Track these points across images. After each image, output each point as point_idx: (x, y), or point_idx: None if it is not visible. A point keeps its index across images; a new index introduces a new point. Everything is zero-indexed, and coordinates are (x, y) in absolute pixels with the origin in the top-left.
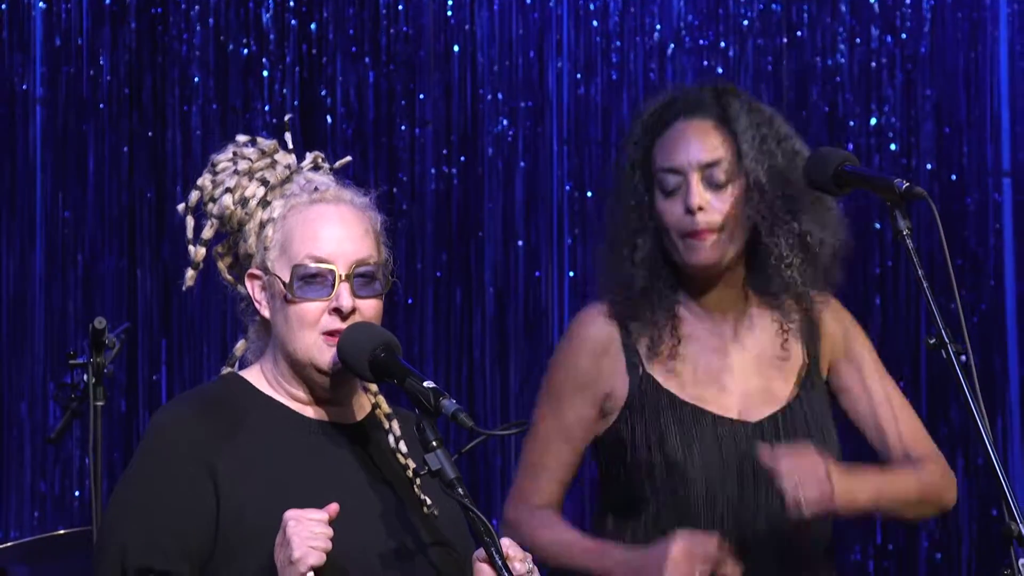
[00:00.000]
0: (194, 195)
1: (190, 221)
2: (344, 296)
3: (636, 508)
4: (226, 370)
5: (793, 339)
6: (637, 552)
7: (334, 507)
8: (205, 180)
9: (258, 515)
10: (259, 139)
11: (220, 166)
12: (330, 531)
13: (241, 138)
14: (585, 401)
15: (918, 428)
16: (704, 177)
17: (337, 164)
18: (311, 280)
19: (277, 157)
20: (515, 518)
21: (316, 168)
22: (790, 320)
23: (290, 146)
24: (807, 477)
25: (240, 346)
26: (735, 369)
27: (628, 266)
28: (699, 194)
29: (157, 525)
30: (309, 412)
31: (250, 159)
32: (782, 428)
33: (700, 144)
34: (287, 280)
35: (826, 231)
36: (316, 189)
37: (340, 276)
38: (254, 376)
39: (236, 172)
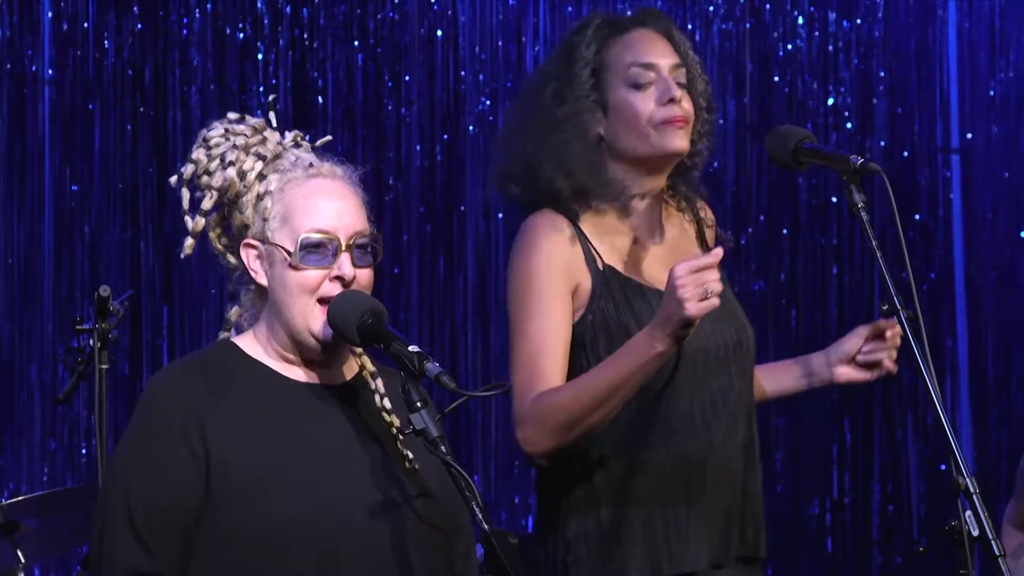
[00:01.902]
0: (189, 168)
1: (185, 193)
2: (346, 265)
3: None
4: (223, 335)
5: (693, 232)
6: (652, 319)
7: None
8: (199, 154)
9: (244, 470)
10: (248, 117)
11: (213, 141)
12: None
13: (232, 115)
14: (567, 296)
15: None
16: (673, 77)
17: (318, 142)
18: (314, 249)
19: (266, 134)
20: (530, 407)
21: (297, 145)
22: (690, 218)
23: (274, 124)
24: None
25: (234, 312)
26: (670, 256)
27: (582, 161)
28: (676, 87)
29: (154, 482)
30: (299, 375)
31: (245, 135)
32: (724, 304)
33: (666, 47)
34: (291, 249)
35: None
36: (311, 165)
37: (342, 246)
38: (247, 342)
39: (235, 147)
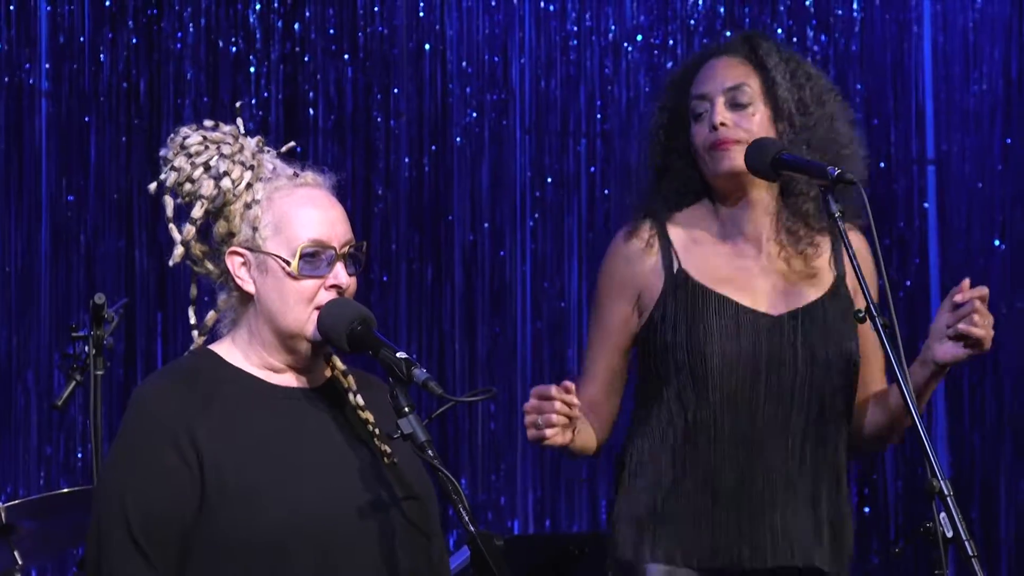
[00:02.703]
0: (172, 176)
1: (169, 201)
2: (342, 274)
3: (666, 389)
4: (199, 340)
5: (822, 256)
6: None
7: None
8: (181, 161)
9: (239, 476)
10: (221, 124)
11: (194, 148)
12: None
13: (208, 122)
14: (622, 303)
15: (884, 371)
16: (728, 100)
17: (283, 148)
18: (311, 259)
19: (242, 142)
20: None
21: (262, 151)
22: (818, 242)
23: (243, 130)
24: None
25: (211, 317)
26: (763, 272)
27: (657, 181)
28: (721, 112)
29: (149, 492)
30: (281, 380)
31: (227, 143)
32: (801, 323)
33: (725, 72)
34: (289, 258)
35: (850, 166)
36: (296, 174)
37: (337, 255)
38: (225, 349)
39: (222, 156)
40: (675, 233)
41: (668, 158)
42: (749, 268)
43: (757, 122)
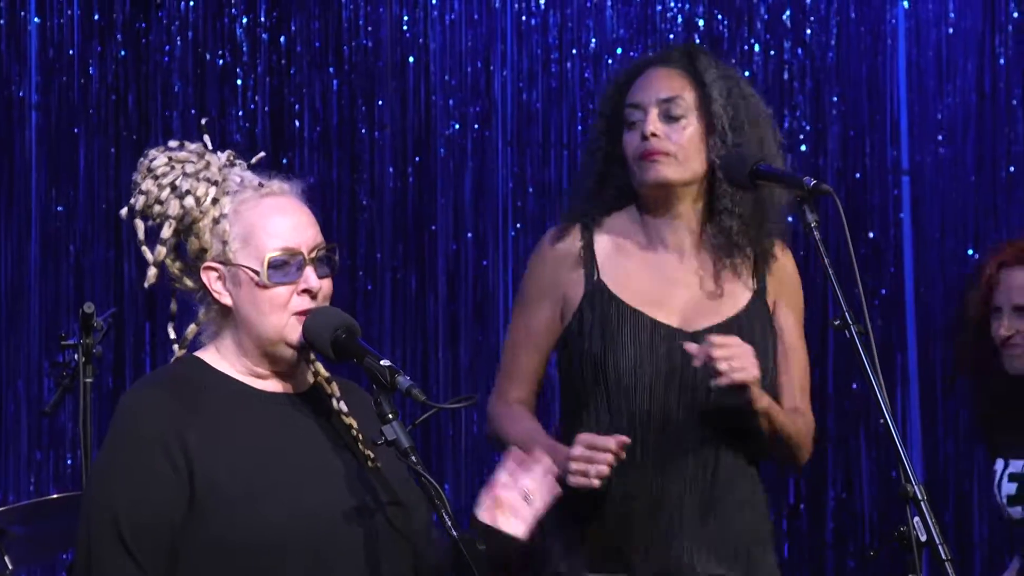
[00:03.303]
0: (141, 199)
1: (139, 224)
2: (312, 278)
3: (583, 401)
4: (180, 352)
5: (743, 271)
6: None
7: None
8: (149, 184)
9: (229, 480)
10: (186, 143)
11: (160, 170)
12: None
13: (172, 143)
14: (547, 306)
15: (807, 389)
16: (661, 111)
17: (253, 160)
18: (281, 267)
19: (208, 158)
20: (492, 412)
21: (232, 165)
22: (741, 256)
23: (210, 146)
24: (738, 355)
25: (191, 330)
26: (681, 286)
27: (595, 187)
28: (653, 123)
29: (139, 497)
30: (265, 386)
31: (191, 161)
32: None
33: (661, 83)
34: (258, 268)
35: (774, 194)
36: (261, 184)
37: (305, 260)
38: (210, 356)
39: (185, 175)
40: (600, 241)
41: (607, 164)
42: (669, 281)
43: (688, 136)
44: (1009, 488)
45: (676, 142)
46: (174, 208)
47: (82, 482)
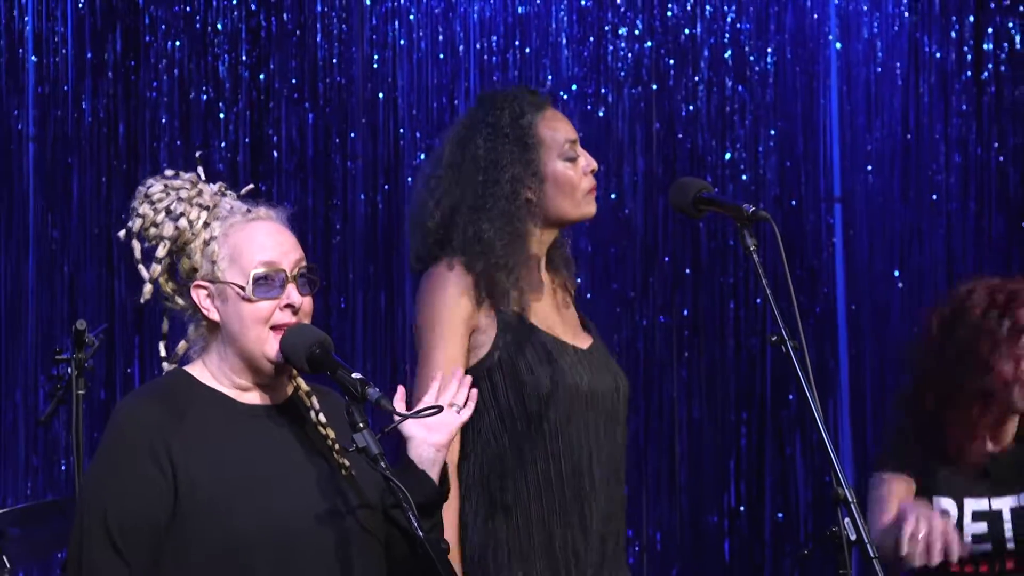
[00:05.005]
0: (137, 222)
1: (136, 245)
2: (294, 294)
3: (503, 424)
4: (169, 367)
5: (561, 286)
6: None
7: None
8: (145, 209)
9: (207, 487)
10: (181, 173)
11: (156, 196)
12: None
13: (168, 172)
14: (465, 333)
15: None
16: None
17: (243, 191)
18: (264, 282)
19: (201, 186)
20: None
21: (223, 194)
22: (566, 285)
23: (203, 177)
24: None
25: (182, 346)
26: (559, 312)
27: (509, 216)
28: (591, 160)
29: (130, 499)
30: (247, 398)
31: (185, 188)
32: (597, 356)
33: (568, 124)
34: (244, 284)
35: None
36: (249, 210)
37: (288, 276)
38: (197, 370)
39: (180, 199)
40: (498, 278)
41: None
42: (552, 306)
43: None
44: (977, 528)
45: None
46: (168, 230)
47: (75, 487)
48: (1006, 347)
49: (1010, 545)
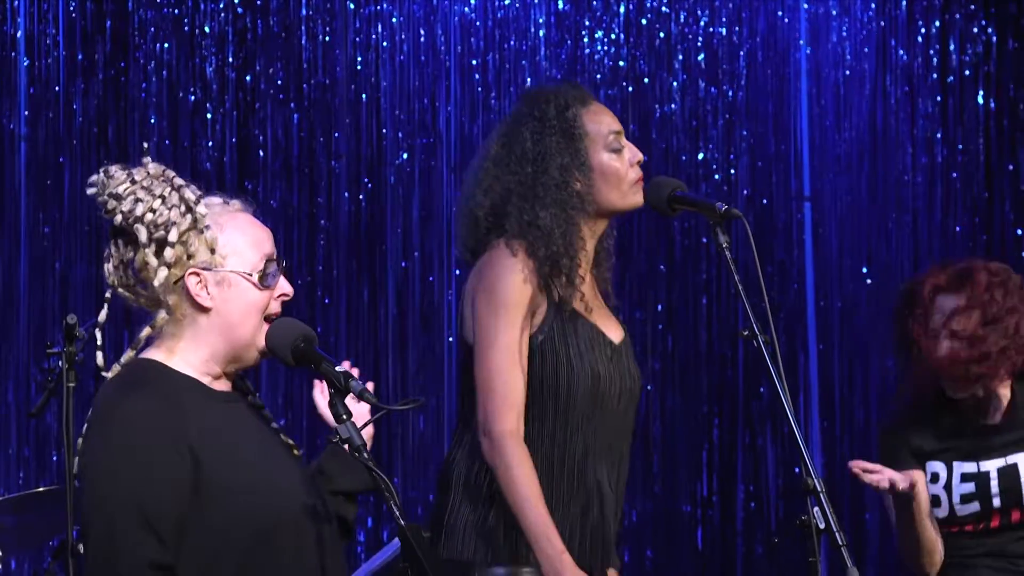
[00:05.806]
0: (139, 207)
1: (141, 229)
2: (287, 284)
3: (543, 407)
4: (130, 352)
5: (609, 288)
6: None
7: None
8: (143, 194)
9: (228, 472)
10: (144, 162)
11: (146, 183)
12: None
13: (114, 167)
14: (527, 316)
15: None
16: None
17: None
18: (270, 273)
19: (168, 174)
20: (500, 449)
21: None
22: (605, 276)
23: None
24: None
25: (146, 332)
26: (598, 300)
27: (559, 213)
28: (636, 151)
29: (157, 481)
30: (218, 385)
31: (167, 177)
32: (625, 351)
33: (612, 115)
34: (252, 273)
35: None
36: (226, 202)
37: (283, 269)
38: (162, 357)
39: (174, 188)
40: (552, 265)
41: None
42: (593, 296)
43: None
44: (965, 488)
45: None
46: (176, 215)
47: (66, 477)
48: (922, 329)
49: (996, 502)
